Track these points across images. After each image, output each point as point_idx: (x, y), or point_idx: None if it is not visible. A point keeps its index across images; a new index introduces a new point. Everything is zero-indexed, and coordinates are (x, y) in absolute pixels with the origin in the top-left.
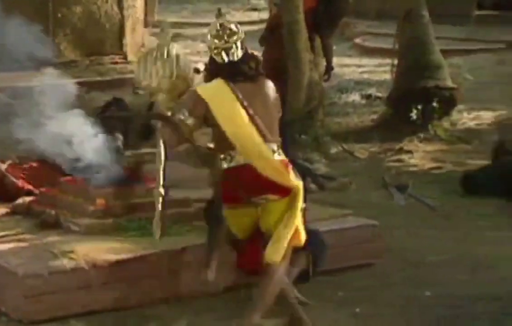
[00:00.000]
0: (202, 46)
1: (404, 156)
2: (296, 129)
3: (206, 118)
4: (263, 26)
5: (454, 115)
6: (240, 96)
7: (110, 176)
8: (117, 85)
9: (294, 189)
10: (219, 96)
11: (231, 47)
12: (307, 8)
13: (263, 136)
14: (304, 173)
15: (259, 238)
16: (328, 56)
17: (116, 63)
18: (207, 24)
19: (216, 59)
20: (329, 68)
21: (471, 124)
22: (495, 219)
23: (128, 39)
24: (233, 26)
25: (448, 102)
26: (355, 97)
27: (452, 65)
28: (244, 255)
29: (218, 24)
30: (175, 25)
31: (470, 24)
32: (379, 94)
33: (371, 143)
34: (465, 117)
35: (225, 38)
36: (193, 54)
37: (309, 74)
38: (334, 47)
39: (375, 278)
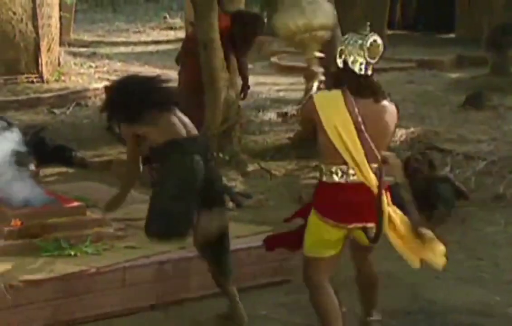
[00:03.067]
0: (119, 65)
1: None
2: (213, 147)
3: (315, 127)
4: (179, 45)
5: None
6: (355, 111)
7: (25, 196)
8: (32, 104)
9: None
10: (332, 107)
11: (371, 63)
12: (222, 27)
13: (366, 155)
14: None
15: None
16: (244, 74)
17: (32, 82)
18: (123, 43)
19: (352, 68)
20: (245, 86)
21: None
22: None
23: (43, 58)
24: (381, 46)
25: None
26: (271, 115)
27: None
28: None
29: (372, 39)
30: (91, 44)
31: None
32: (295, 112)
33: (288, 160)
34: None
35: (373, 54)
36: (110, 73)
37: (226, 92)
38: (250, 66)
39: (292, 295)
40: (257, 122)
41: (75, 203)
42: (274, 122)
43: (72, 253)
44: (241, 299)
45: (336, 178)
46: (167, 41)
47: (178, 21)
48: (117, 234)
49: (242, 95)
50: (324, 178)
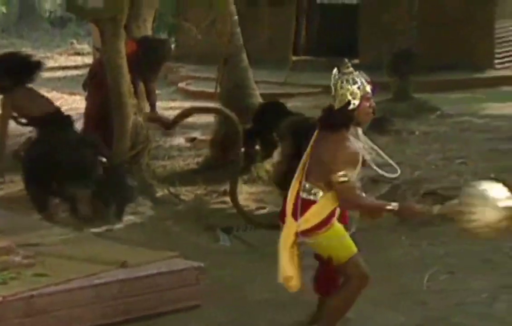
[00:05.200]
0: None
1: (229, 198)
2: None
3: None
4: (87, 70)
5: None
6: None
7: None
8: None
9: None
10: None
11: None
12: (129, 53)
13: (304, 174)
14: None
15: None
16: (151, 100)
17: None
18: None
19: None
20: (153, 112)
21: None
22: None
23: None
24: (333, 78)
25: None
26: (180, 140)
27: None
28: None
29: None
30: None
31: (287, 69)
32: (204, 137)
33: (196, 185)
34: None
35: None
36: None
37: (133, 118)
38: (158, 91)
39: (202, 320)
40: (165, 147)
41: None
42: (183, 147)
43: None
44: None
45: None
46: (75, 67)
47: (85, 47)
48: (25, 262)
49: None
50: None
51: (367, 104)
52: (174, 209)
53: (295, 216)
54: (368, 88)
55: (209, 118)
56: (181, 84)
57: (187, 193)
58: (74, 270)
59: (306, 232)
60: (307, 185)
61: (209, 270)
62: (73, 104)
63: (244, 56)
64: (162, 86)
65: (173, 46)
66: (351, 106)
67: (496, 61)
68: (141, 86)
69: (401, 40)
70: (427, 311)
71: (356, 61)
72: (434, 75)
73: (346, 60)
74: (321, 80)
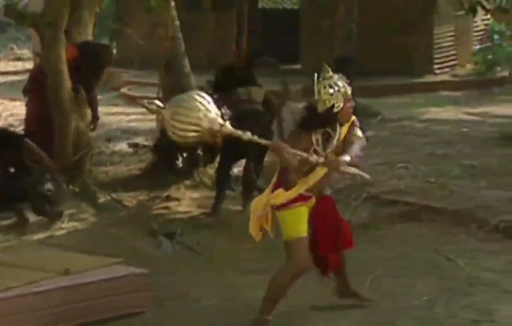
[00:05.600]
0: None
1: (171, 204)
2: (64, 179)
3: None
4: (27, 76)
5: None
6: None
7: None
8: None
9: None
10: None
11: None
12: (69, 58)
13: None
14: None
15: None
16: (93, 105)
17: None
18: None
19: None
20: (94, 117)
21: (235, 170)
22: (260, 263)
23: None
24: (327, 87)
25: (212, 149)
26: (122, 146)
27: None
28: None
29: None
30: None
31: None
32: (146, 143)
33: (139, 191)
34: None
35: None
36: None
37: (75, 124)
38: (100, 97)
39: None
40: (108, 153)
41: None
42: (125, 153)
43: None
44: None
45: None
46: (15, 72)
47: (26, 52)
48: None
49: (91, 126)
50: None
51: (349, 105)
52: (117, 215)
53: (273, 189)
54: (349, 90)
55: (152, 123)
56: (123, 89)
57: (129, 199)
58: (15, 278)
59: (273, 206)
60: None
61: (153, 276)
62: (14, 110)
63: (186, 61)
64: (103, 92)
65: (114, 51)
66: (336, 109)
67: (435, 66)
68: (82, 91)
69: (340, 46)
70: (369, 314)
71: (298, 66)
72: (374, 80)
73: (326, 65)
74: (263, 86)
